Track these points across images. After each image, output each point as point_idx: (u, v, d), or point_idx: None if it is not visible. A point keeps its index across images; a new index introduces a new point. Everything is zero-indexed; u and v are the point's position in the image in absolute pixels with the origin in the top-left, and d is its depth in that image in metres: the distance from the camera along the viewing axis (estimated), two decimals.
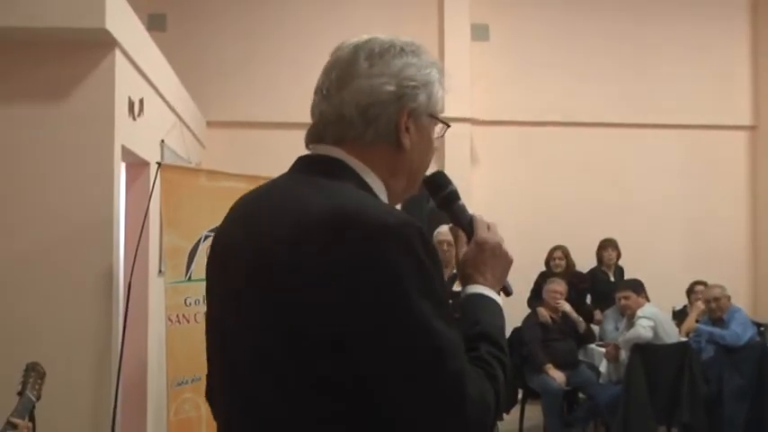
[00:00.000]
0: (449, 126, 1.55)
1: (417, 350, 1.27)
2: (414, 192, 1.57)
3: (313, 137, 1.52)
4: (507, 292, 1.64)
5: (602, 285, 7.85)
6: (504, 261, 1.59)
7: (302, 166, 1.50)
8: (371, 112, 1.43)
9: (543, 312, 7.14)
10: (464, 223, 1.64)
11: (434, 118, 1.51)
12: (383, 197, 1.47)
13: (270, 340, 1.33)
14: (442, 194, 1.65)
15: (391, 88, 1.44)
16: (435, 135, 1.53)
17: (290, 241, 1.32)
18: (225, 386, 1.47)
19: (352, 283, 1.26)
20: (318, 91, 1.51)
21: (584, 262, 7.91)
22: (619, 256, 8.15)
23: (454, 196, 1.66)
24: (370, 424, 1.30)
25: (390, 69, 1.46)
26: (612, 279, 8.00)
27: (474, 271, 1.54)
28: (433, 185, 1.65)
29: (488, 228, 1.61)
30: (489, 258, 1.57)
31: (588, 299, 7.99)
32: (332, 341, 1.27)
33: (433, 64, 1.52)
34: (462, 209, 1.66)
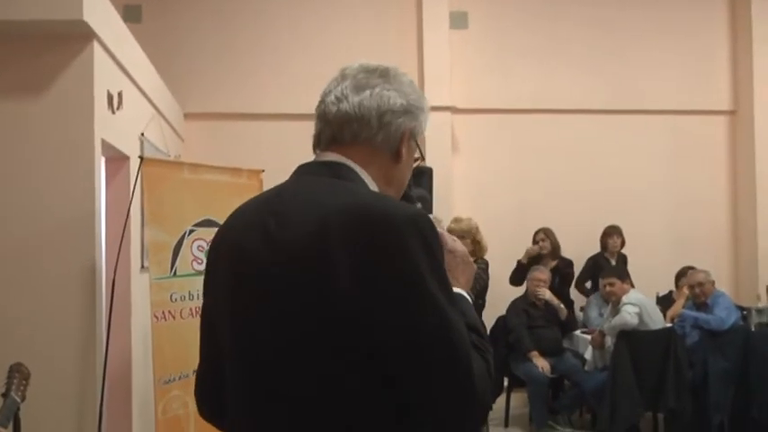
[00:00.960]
0: (423, 159, 1.77)
1: (434, 330, 1.42)
2: None
3: (325, 139, 1.67)
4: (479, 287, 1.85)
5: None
6: (471, 268, 1.79)
7: (310, 170, 1.66)
8: (386, 117, 1.63)
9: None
10: None
11: (417, 145, 1.72)
12: None
13: (301, 326, 1.46)
14: None
15: (403, 102, 1.65)
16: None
17: (318, 234, 1.45)
18: (247, 371, 1.55)
19: (377, 270, 1.42)
20: (328, 95, 1.67)
21: (568, 247, 7.90)
22: (623, 243, 8.15)
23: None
24: (388, 396, 1.44)
25: (403, 89, 1.67)
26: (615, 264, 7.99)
27: (450, 276, 1.62)
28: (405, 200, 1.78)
29: (453, 239, 1.80)
30: (461, 265, 1.75)
31: (588, 284, 7.99)
32: (359, 323, 1.41)
33: (422, 94, 1.73)
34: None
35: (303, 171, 1.66)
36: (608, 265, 7.79)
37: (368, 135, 1.62)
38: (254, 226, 1.57)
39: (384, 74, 1.67)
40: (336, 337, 1.42)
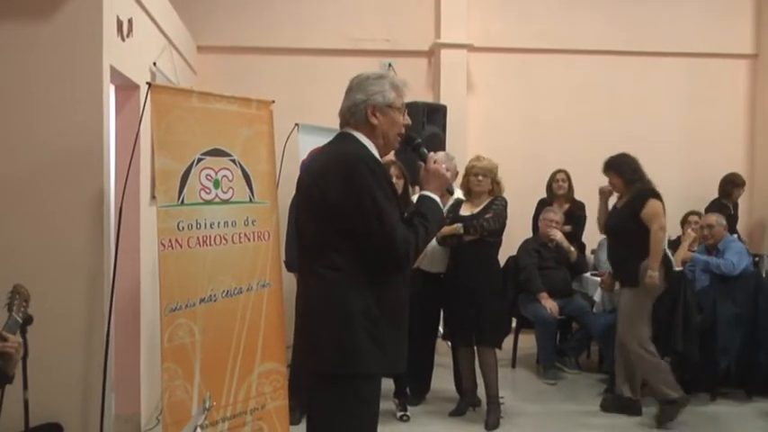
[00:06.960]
0: (402, 108, 3.06)
1: (370, 212, 2.81)
2: (393, 146, 3.11)
3: (341, 122, 3.07)
4: (450, 191, 3.27)
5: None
6: (442, 179, 3.09)
7: (336, 136, 3.08)
8: (352, 109, 3.01)
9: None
10: (424, 159, 3.13)
11: (390, 107, 3.01)
12: (372, 149, 2.98)
13: (318, 210, 2.92)
14: (413, 144, 3.21)
15: (362, 97, 2.99)
16: (400, 114, 3.05)
17: (325, 168, 2.93)
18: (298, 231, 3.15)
19: (345, 187, 2.83)
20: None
21: (582, 189, 7.80)
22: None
23: (419, 145, 3.20)
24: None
25: (364, 88, 3.00)
26: (732, 212, 7.94)
27: (425, 185, 3.10)
28: (408, 139, 3.18)
29: (434, 161, 3.11)
30: (432, 178, 3.09)
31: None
32: (339, 209, 2.84)
33: (387, 82, 3.01)
34: (424, 151, 3.17)
35: (335, 137, 3.07)
36: (727, 212, 7.73)
37: (348, 121, 3.02)
38: (311, 163, 3.15)
39: (356, 85, 3.02)
40: (329, 214, 2.84)
